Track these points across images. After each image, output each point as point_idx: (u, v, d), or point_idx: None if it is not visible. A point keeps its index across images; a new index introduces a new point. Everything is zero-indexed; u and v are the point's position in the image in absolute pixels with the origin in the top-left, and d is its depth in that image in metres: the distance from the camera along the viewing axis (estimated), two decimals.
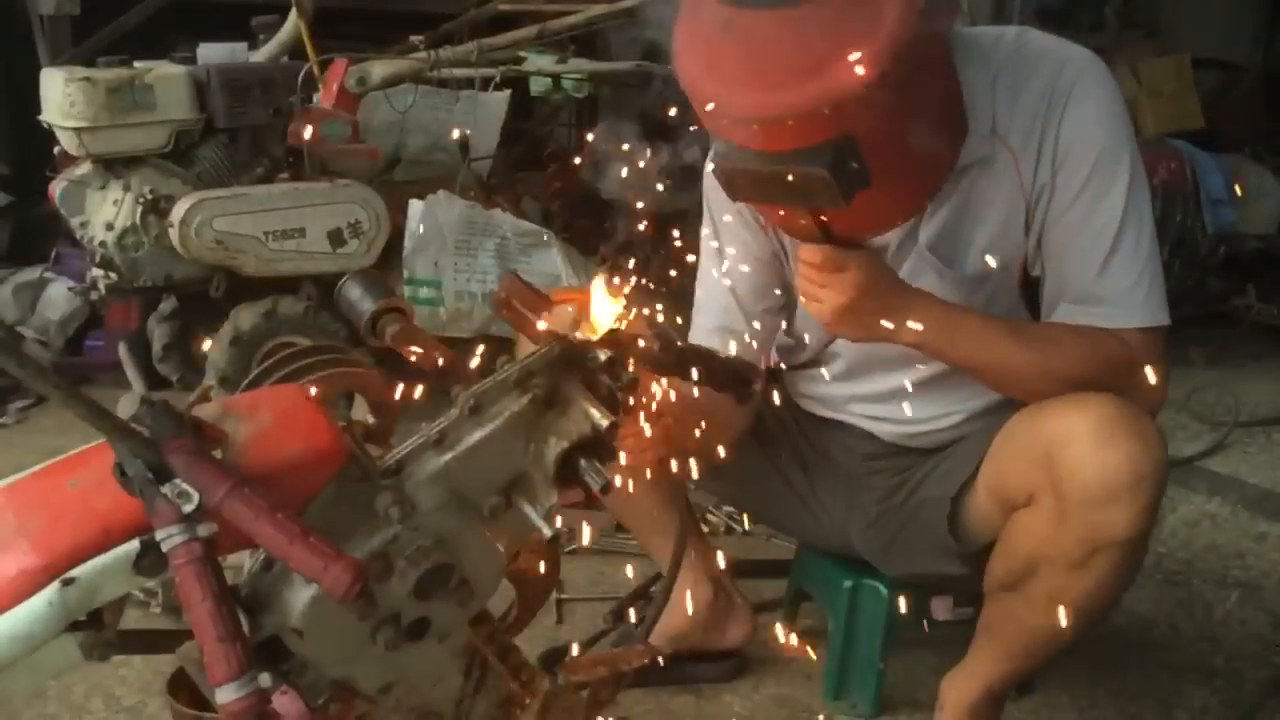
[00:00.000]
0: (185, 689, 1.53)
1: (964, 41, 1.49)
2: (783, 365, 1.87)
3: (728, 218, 1.70)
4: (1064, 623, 1.51)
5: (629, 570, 2.27)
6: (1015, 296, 1.60)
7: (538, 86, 4.12)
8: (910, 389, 1.67)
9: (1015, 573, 1.55)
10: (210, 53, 3.36)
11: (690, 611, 1.95)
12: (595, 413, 1.11)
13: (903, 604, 1.83)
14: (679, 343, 1.23)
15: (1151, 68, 4.92)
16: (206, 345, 3.02)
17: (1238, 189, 4.39)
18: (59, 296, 3.58)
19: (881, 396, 1.74)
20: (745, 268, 1.72)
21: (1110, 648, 2.17)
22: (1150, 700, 2.02)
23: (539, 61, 3.86)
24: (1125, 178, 1.47)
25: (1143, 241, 1.48)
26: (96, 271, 3.07)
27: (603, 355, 1.14)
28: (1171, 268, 4.44)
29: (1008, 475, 1.55)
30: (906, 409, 1.70)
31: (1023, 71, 1.49)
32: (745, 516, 2.63)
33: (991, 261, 1.54)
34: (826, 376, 1.77)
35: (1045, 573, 1.50)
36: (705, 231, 1.76)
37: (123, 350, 3.30)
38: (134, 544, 0.92)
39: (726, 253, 1.73)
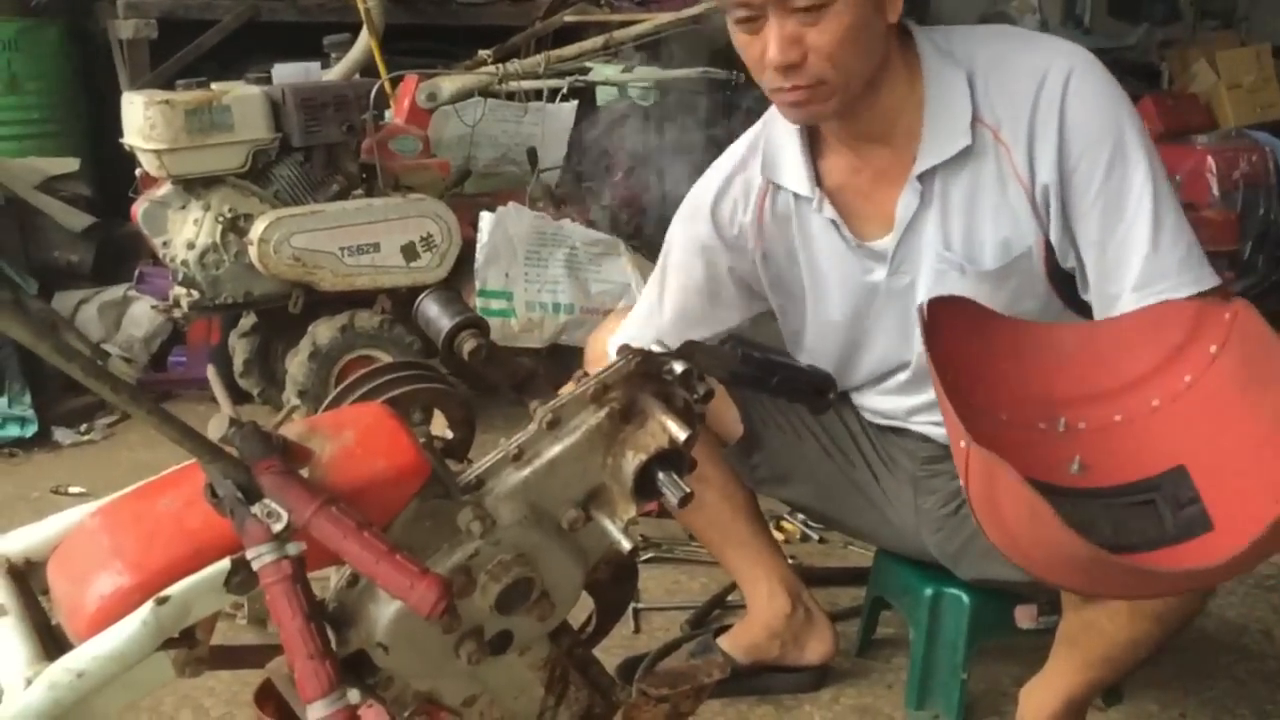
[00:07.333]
0: (272, 700, 1.56)
1: (932, 41, 1.54)
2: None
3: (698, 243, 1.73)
4: (1145, 633, 1.50)
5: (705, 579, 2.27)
6: (1045, 287, 1.57)
7: (604, 96, 4.13)
8: None
9: None
10: (285, 72, 3.43)
11: (767, 623, 1.94)
12: (673, 425, 1.11)
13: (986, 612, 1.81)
14: (756, 354, 1.22)
15: (1230, 58, 4.82)
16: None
17: None
18: (142, 314, 3.66)
19: (935, 406, 1.73)
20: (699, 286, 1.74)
21: (1201, 655, 2.11)
22: (1244, 709, 1.96)
23: (605, 71, 3.87)
24: (1143, 155, 1.47)
25: (1177, 210, 1.48)
26: (178, 289, 3.13)
27: (679, 367, 1.14)
28: (1255, 262, 4.32)
29: None
30: None
31: (1009, 61, 1.52)
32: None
33: (1008, 252, 1.54)
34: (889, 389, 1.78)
35: None
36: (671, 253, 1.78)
37: (211, 372, 3.38)
38: (225, 563, 0.94)
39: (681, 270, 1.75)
